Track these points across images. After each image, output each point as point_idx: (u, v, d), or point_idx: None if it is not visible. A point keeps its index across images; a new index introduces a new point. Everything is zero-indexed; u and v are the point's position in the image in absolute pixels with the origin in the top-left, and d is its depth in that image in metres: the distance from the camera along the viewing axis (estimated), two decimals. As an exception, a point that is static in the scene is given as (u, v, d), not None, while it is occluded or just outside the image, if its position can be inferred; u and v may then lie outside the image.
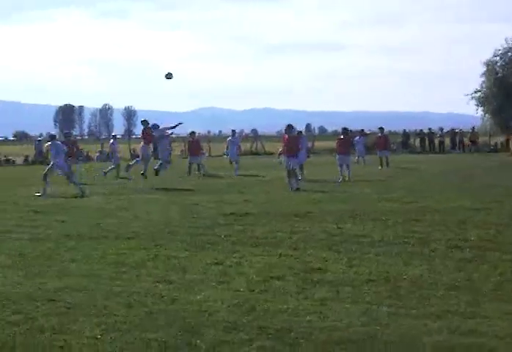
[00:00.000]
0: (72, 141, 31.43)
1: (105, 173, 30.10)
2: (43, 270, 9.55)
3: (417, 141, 57.72)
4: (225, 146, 33.91)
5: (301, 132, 26.14)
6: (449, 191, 20.14)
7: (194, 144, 32.33)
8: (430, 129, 57.90)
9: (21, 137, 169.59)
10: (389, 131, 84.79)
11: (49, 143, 23.29)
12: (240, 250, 10.89)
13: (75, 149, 30.69)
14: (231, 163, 32.27)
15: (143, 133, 27.98)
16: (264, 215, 15.16)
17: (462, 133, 57.22)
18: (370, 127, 74.87)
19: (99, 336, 6.41)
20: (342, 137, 27.30)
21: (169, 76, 26.35)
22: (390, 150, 36.85)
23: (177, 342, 6.23)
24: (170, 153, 31.31)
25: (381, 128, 36.56)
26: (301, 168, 25.52)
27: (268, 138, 75.37)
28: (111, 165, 31.64)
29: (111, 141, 34.16)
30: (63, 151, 22.79)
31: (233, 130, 34.80)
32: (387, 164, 33.31)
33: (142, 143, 27.63)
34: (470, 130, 56.61)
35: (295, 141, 23.13)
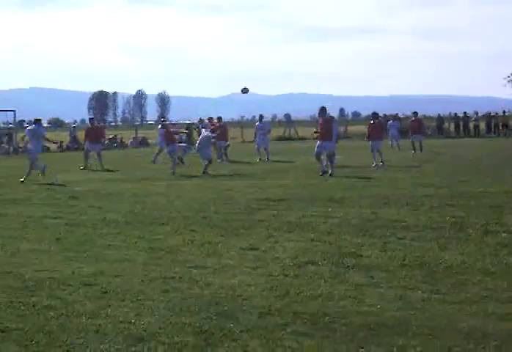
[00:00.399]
0: (96, 127, 31.12)
1: (181, 159, 27.84)
2: (79, 256, 9.62)
3: (452, 126, 57.15)
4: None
5: (333, 117, 25.72)
6: (484, 175, 19.98)
7: (222, 129, 31.86)
8: (465, 113, 57.22)
9: (56, 124, 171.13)
10: (424, 115, 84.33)
11: (29, 127, 23.15)
12: (275, 235, 10.90)
13: (99, 135, 30.26)
14: (258, 149, 31.35)
15: (165, 135, 27.08)
16: (298, 200, 15.15)
17: (498, 117, 56.51)
18: (404, 111, 74.45)
19: (133, 321, 6.45)
20: (372, 122, 27.04)
21: (244, 91, 25.99)
22: (424, 134, 36.46)
23: (212, 327, 6.24)
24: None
25: (415, 112, 36.39)
26: (333, 154, 24.70)
27: (302, 123, 75.20)
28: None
29: (160, 126, 33.94)
30: (40, 136, 22.61)
31: (261, 115, 33.83)
32: (421, 148, 33.07)
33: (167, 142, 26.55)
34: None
35: (328, 124, 22.46)
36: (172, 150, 25.02)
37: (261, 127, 32.01)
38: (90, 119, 34.46)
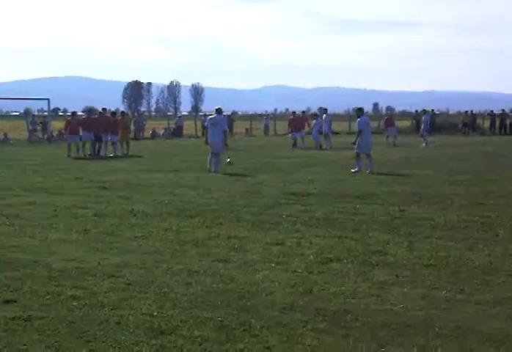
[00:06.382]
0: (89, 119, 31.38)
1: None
2: (105, 246, 9.69)
3: (487, 123, 56.23)
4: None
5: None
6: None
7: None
8: (503, 110, 56.17)
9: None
10: (459, 111, 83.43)
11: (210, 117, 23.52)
12: (301, 230, 10.88)
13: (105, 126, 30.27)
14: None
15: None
16: (326, 195, 15.11)
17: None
18: (440, 107, 73.87)
19: (155, 314, 6.48)
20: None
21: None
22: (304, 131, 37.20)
23: (233, 322, 6.25)
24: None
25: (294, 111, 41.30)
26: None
27: (336, 117, 74.58)
28: None
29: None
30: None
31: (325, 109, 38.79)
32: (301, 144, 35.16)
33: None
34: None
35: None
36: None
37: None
38: (89, 109, 34.57)
